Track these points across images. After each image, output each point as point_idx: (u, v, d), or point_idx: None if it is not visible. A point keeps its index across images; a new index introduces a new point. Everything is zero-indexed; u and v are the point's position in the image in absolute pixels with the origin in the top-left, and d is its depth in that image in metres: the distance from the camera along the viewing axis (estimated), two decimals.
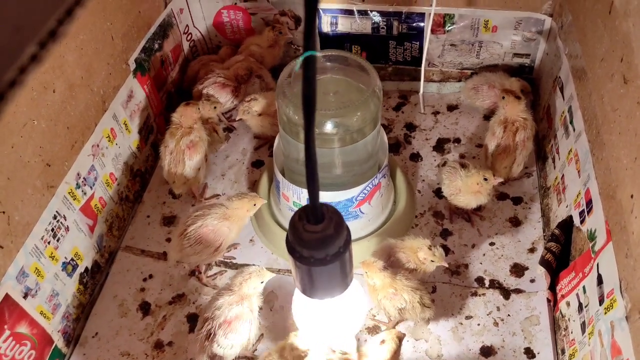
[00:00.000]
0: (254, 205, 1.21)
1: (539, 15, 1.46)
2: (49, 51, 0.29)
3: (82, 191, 1.18)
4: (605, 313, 0.92)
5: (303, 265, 0.78)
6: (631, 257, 0.86)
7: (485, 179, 1.20)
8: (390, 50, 1.61)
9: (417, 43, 1.57)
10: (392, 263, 1.16)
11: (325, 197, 1.19)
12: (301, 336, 1.07)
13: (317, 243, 0.76)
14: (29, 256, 1.03)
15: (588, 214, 1.06)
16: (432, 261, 1.13)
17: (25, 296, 1.02)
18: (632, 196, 0.88)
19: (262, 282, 1.11)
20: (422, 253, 1.14)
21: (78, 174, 1.16)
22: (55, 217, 1.09)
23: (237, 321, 1.07)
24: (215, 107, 1.42)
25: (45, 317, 1.07)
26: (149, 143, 1.45)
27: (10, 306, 0.99)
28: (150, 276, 1.28)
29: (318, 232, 0.75)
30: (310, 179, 0.70)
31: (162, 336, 1.18)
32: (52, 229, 1.09)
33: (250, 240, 1.34)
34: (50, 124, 1.06)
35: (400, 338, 1.07)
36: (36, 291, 1.05)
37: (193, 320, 1.20)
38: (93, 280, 1.24)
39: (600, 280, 0.96)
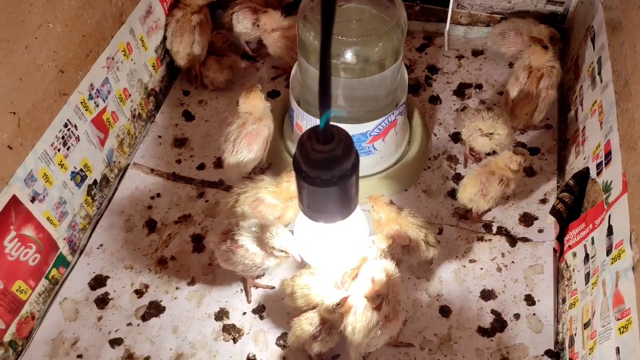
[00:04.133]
0: (259, 90, 1.20)
1: None
2: None
3: (95, 103, 1.17)
4: (612, 263, 0.90)
5: (308, 185, 0.77)
6: None
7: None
8: None
9: None
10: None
11: None
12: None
13: (324, 163, 0.75)
14: (38, 161, 1.03)
15: (606, 165, 1.03)
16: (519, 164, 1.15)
17: (32, 200, 1.03)
18: None
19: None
20: (514, 164, 1.14)
21: (91, 85, 1.15)
22: (66, 125, 1.09)
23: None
24: None
25: (51, 222, 1.08)
26: (165, 63, 1.43)
27: (17, 208, 1.00)
28: (158, 195, 1.28)
29: (326, 152, 0.74)
30: (322, 96, 0.68)
31: (166, 253, 1.19)
32: (63, 137, 1.08)
33: (261, 169, 1.33)
34: (65, 29, 1.04)
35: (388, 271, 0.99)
36: (44, 196, 1.06)
37: (198, 240, 1.21)
38: (101, 194, 1.24)
39: (610, 231, 0.94)
